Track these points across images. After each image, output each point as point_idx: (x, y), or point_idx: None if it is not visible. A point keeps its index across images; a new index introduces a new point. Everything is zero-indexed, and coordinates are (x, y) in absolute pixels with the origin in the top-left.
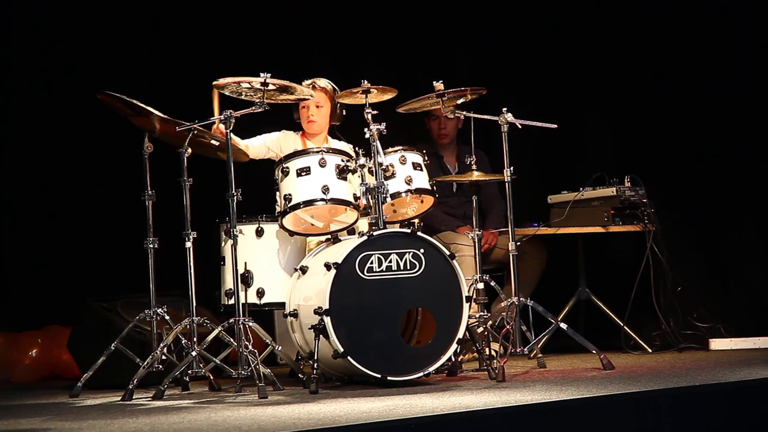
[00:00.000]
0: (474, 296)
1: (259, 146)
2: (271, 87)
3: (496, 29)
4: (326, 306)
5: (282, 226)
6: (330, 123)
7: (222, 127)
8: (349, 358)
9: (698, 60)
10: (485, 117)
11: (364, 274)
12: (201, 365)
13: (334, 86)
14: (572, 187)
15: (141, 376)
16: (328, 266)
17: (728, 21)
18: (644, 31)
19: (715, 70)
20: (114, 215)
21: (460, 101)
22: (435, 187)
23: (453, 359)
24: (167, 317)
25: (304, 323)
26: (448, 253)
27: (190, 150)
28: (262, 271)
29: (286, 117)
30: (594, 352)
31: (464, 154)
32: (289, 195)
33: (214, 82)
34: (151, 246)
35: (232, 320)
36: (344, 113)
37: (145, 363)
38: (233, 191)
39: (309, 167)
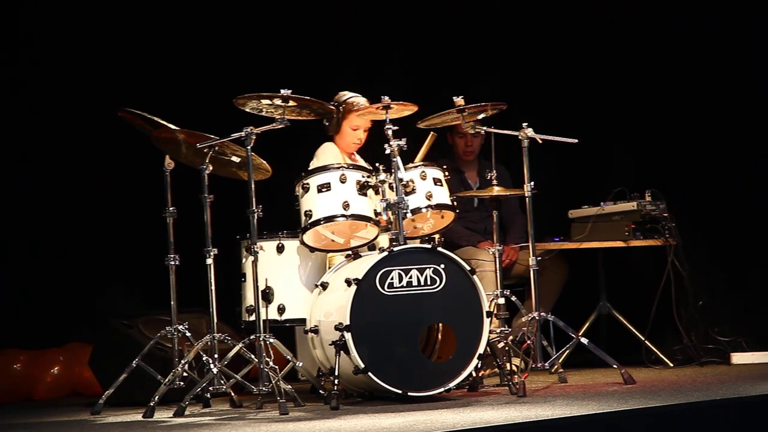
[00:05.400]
0: (495, 311)
1: None
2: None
3: (515, 44)
4: (347, 322)
5: (302, 242)
6: None
7: None
8: (369, 374)
9: (716, 74)
10: (506, 132)
11: (384, 290)
12: (222, 382)
13: None
14: (593, 201)
15: (162, 393)
16: (348, 282)
17: (750, 36)
18: (664, 45)
19: (732, 84)
20: (135, 232)
21: (480, 116)
22: (455, 203)
23: (474, 374)
24: (188, 334)
25: (324, 339)
26: (468, 268)
27: (211, 167)
28: (283, 288)
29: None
30: (615, 366)
31: (485, 169)
32: (310, 211)
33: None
34: (172, 263)
35: (253, 337)
36: None
37: (167, 380)
38: (254, 208)
39: (329, 183)
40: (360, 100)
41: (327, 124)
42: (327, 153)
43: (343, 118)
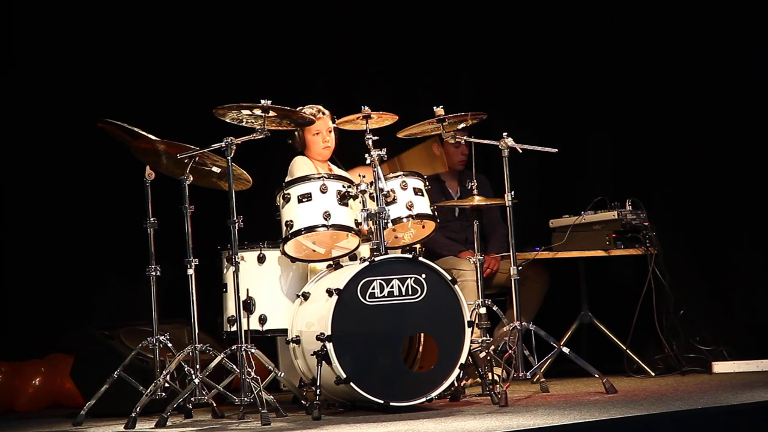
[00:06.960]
0: (476, 321)
1: None
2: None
3: (496, 53)
4: (328, 332)
5: (284, 253)
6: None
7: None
8: (351, 384)
9: (698, 83)
10: (486, 142)
11: (365, 300)
12: (204, 392)
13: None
14: (573, 210)
15: (144, 403)
16: (329, 292)
17: (729, 43)
18: (644, 54)
19: (715, 93)
20: (116, 243)
21: (460, 126)
22: (436, 212)
23: (455, 384)
24: (170, 345)
25: (306, 349)
26: (449, 278)
27: (191, 177)
28: (264, 298)
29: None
30: (597, 376)
31: (466, 179)
32: (291, 221)
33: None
34: (154, 273)
35: (234, 347)
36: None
37: (148, 391)
38: (234, 218)
39: (310, 193)
40: (308, 108)
41: (290, 141)
42: (300, 166)
43: (303, 130)
